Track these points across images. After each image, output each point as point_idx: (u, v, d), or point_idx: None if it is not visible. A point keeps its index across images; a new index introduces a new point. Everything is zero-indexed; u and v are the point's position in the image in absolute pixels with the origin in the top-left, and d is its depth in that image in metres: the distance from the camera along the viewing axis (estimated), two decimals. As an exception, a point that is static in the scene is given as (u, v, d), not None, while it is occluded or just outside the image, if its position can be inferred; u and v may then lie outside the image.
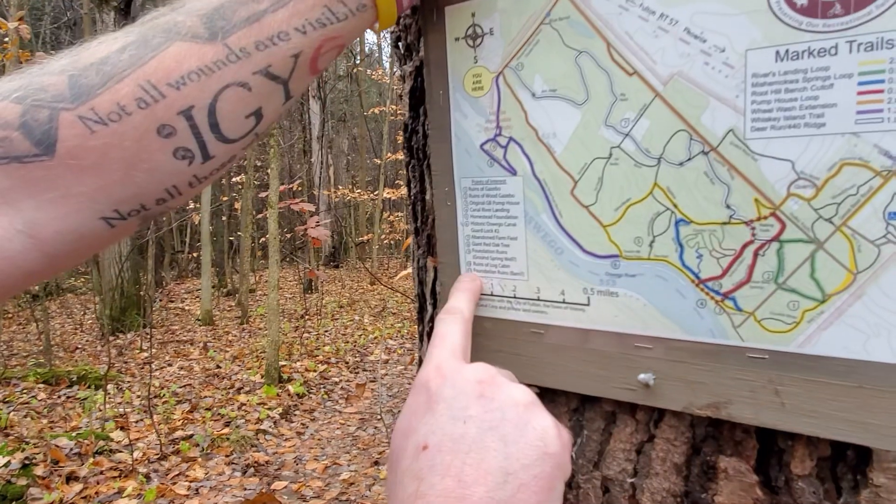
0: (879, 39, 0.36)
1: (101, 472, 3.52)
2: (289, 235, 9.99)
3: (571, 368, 0.50)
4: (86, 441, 3.80)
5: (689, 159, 0.42)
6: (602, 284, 0.47)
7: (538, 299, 0.51)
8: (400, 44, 0.69)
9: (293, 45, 0.41)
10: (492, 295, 0.54)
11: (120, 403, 4.70)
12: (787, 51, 0.38)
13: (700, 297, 0.43)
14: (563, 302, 0.49)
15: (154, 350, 6.24)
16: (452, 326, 0.45)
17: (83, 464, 3.58)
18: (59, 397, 4.83)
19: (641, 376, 0.46)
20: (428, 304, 0.69)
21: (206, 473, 3.64)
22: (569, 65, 0.46)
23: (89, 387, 5.04)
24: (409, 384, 5.27)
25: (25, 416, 4.28)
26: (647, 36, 0.43)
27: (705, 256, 0.43)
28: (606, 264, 0.47)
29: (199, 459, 3.81)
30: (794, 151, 0.39)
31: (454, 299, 0.50)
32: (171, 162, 0.40)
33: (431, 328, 0.69)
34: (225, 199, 11.73)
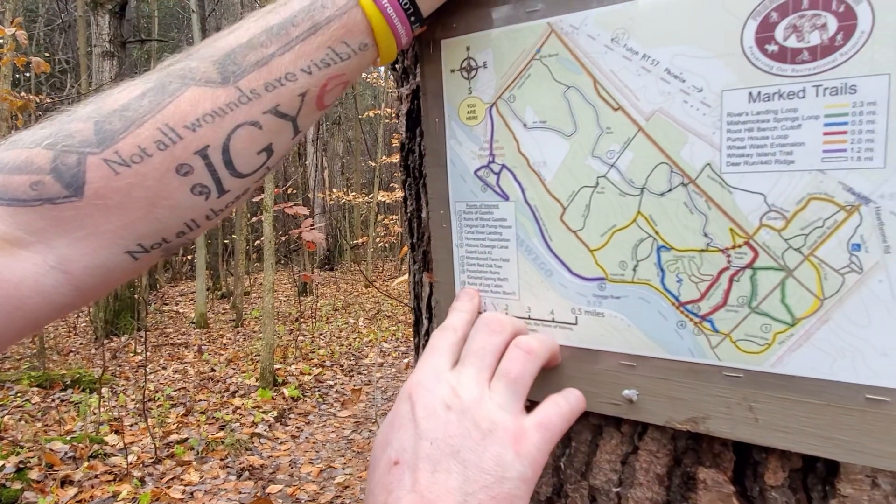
0: (843, 85, 0.39)
1: (96, 476, 3.53)
2: (283, 238, 9.99)
3: (560, 384, 0.52)
4: (80, 445, 3.80)
5: (669, 190, 0.45)
6: (589, 305, 0.50)
7: (529, 318, 0.53)
8: (397, 66, 0.71)
9: (300, 85, 0.43)
10: (485, 313, 0.56)
11: (114, 407, 4.70)
12: (759, 92, 0.41)
13: (680, 318, 0.46)
14: (553, 321, 0.52)
15: (148, 353, 6.24)
16: (442, 341, 0.49)
17: (78, 468, 3.58)
18: (54, 401, 4.82)
19: (626, 392, 0.49)
20: (424, 317, 0.72)
21: (201, 477, 3.64)
22: (558, 98, 0.49)
23: (83, 390, 5.04)
24: (404, 387, 5.28)
25: (20, 420, 4.27)
26: (631, 74, 0.45)
27: (685, 281, 0.45)
28: (593, 286, 0.50)
29: (194, 463, 3.81)
30: (766, 185, 0.41)
31: (449, 317, 0.53)
32: (189, 198, 0.43)
33: (427, 341, 0.71)
34: (219, 201, 11.68)
